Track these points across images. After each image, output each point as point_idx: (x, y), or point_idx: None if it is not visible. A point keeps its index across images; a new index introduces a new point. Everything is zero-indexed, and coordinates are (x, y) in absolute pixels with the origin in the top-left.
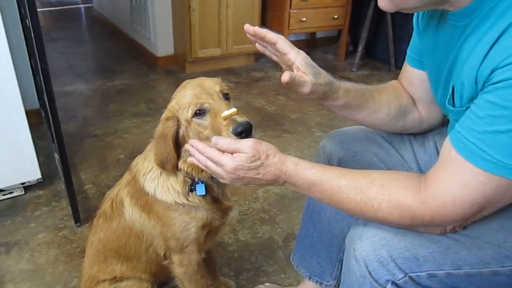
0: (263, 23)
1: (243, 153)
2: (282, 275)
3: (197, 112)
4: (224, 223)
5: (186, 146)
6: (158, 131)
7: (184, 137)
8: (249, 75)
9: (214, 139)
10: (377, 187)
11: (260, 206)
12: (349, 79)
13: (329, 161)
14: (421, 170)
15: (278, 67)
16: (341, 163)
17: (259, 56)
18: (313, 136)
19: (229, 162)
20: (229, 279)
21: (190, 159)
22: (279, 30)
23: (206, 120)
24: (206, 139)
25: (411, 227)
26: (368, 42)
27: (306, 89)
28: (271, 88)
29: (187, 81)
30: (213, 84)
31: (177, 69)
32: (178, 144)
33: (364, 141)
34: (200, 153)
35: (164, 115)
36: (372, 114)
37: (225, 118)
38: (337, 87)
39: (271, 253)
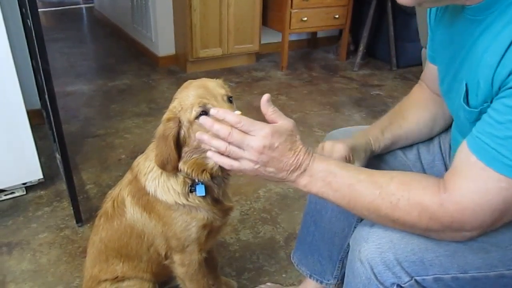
0: (264, 23)
1: (284, 123)
2: (284, 275)
3: (201, 113)
4: (225, 223)
5: (202, 118)
6: (159, 132)
7: (185, 138)
8: (250, 74)
9: (265, 98)
10: (397, 184)
11: (262, 206)
12: (350, 79)
13: None
14: (424, 170)
15: (279, 67)
16: None
17: (260, 56)
18: (314, 136)
19: (266, 126)
20: (230, 279)
21: (199, 136)
22: (280, 29)
23: None
24: None
25: (426, 231)
26: (369, 42)
27: None
28: (272, 87)
29: (189, 81)
30: (217, 86)
31: (178, 69)
32: (179, 145)
33: None
34: (228, 122)
35: (165, 116)
36: (407, 140)
37: None
38: (371, 147)
39: (272, 252)
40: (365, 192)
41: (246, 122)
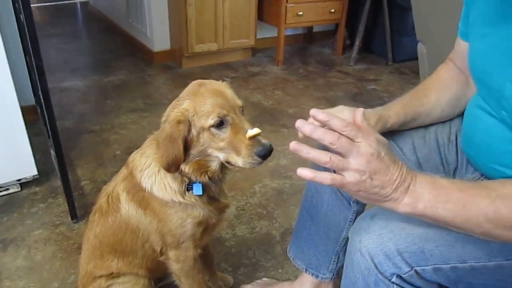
0: (260, 18)
1: (381, 136)
2: (280, 270)
3: (218, 123)
4: (221, 220)
5: (298, 122)
6: (167, 133)
7: (192, 142)
8: (246, 69)
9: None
10: (510, 185)
11: (258, 201)
12: (346, 73)
13: None
14: (420, 163)
15: (275, 62)
16: None
17: (256, 50)
18: None
19: (370, 134)
20: (226, 275)
21: (295, 147)
22: (275, 24)
23: (225, 133)
24: (219, 150)
25: None
26: (365, 36)
27: None
28: (268, 82)
29: (200, 82)
30: (234, 96)
31: (174, 64)
32: (184, 147)
33: None
34: (335, 127)
35: (175, 117)
36: (427, 118)
37: (249, 138)
38: (387, 119)
39: (268, 248)
40: (480, 195)
41: (353, 128)
